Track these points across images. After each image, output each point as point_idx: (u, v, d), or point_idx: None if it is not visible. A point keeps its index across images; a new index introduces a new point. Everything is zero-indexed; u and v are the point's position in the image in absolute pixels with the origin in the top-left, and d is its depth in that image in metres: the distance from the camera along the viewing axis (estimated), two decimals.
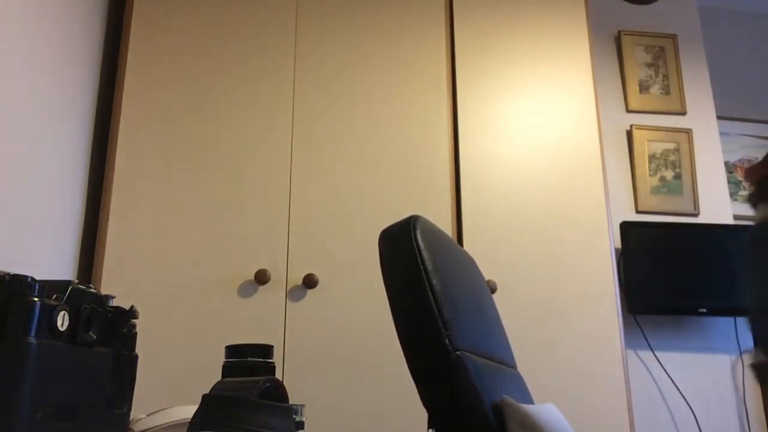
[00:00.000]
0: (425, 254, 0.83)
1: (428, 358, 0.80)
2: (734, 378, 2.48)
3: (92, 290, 0.74)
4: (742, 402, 2.45)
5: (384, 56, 2.07)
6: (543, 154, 2.05)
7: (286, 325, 1.79)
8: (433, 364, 0.80)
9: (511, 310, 1.89)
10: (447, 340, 0.79)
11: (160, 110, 1.92)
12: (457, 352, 0.79)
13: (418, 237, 0.84)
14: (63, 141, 1.71)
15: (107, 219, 1.80)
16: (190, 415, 0.65)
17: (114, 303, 0.80)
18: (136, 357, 0.85)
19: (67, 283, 0.70)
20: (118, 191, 1.82)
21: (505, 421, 0.80)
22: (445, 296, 0.82)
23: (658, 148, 2.63)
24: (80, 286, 0.72)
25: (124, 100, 1.90)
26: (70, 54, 1.75)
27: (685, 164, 2.63)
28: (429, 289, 0.81)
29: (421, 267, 0.82)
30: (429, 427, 0.81)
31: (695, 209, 2.59)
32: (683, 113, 2.69)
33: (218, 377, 0.85)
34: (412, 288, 0.82)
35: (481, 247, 1.93)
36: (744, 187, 3.10)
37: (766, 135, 3.19)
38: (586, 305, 1.92)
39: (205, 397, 0.67)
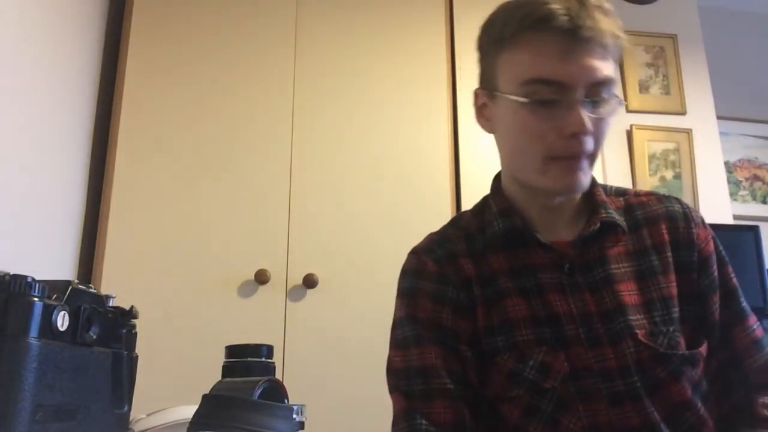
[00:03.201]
0: None
1: None
2: None
3: (92, 290, 0.74)
4: None
5: (384, 56, 2.07)
6: None
7: (286, 325, 1.79)
8: None
9: None
10: None
11: (160, 110, 1.91)
12: None
13: None
14: (63, 141, 1.71)
15: (107, 219, 1.80)
16: (190, 415, 0.65)
17: (114, 303, 0.80)
18: (136, 357, 0.85)
19: (67, 283, 0.70)
20: (118, 191, 1.82)
21: None
22: None
23: (658, 148, 2.63)
24: (80, 286, 0.72)
25: (124, 100, 1.90)
26: (71, 54, 1.75)
27: (685, 164, 2.63)
28: None
29: None
30: None
31: (695, 209, 2.59)
32: (683, 113, 2.69)
33: (218, 377, 0.85)
34: None
35: None
36: (744, 187, 3.10)
37: (766, 135, 3.19)
38: None
39: (205, 397, 0.67)
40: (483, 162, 2.00)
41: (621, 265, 0.86)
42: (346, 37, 2.07)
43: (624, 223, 0.89)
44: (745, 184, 3.10)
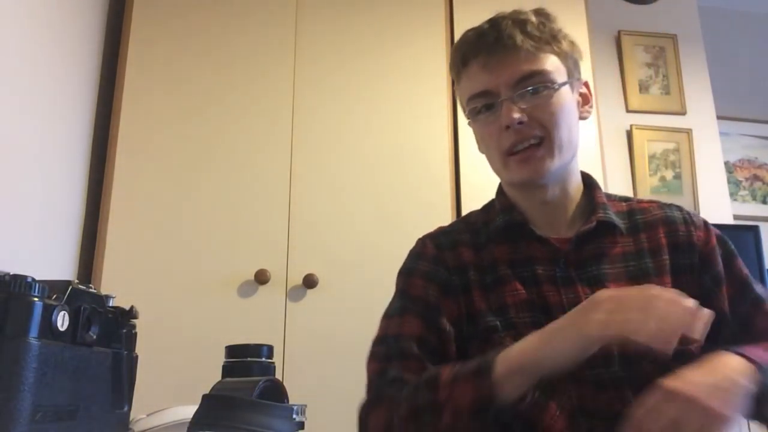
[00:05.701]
0: None
1: None
2: None
3: (92, 290, 0.74)
4: None
5: (384, 56, 2.07)
6: None
7: (286, 325, 1.79)
8: None
9: None
10: None
11: (160, 110, 1.91)
12: None
13: None
14: (63, 141, 1.71)
15: (107, 219, 1.80)
16: (190, 415, 0.65)
17: (114, 303, 0.80)
18: (136, 357, 0.85)
19: (67, 283, 0.70)
20: (118, 191, 1.82)
21: None
22: None
23: (658, 148, 2.63)
24: (80, 286, 0.72)
25: (124, 100, 1.90)
26: (71, 54, 1.75)
27: (685, 164, 2.63)
28: None
29: None
30: None
31: (695, 209, 2.58)
32: (683, 113, 2.69)
33: (218, 377, 0.86)
34: None
35: None
36: (744, 187, 3.10)
37: (766, 135, 3.19)
38: None
39: (205, 397, 0.67)
40: (483, 162, 1.99)
41: (615, 266, 0.92)
42: (346, 36, 2.07)
43: (623, 225, 0.95)
44: (745, 184, 3.10)
